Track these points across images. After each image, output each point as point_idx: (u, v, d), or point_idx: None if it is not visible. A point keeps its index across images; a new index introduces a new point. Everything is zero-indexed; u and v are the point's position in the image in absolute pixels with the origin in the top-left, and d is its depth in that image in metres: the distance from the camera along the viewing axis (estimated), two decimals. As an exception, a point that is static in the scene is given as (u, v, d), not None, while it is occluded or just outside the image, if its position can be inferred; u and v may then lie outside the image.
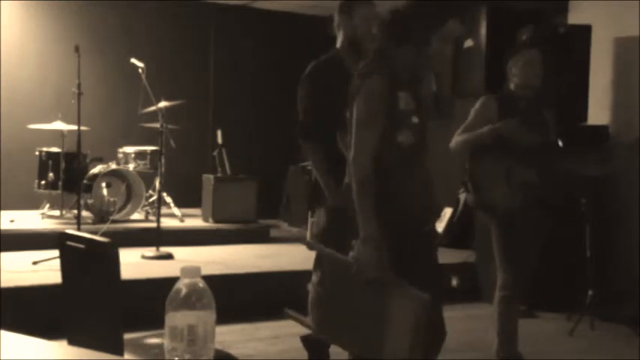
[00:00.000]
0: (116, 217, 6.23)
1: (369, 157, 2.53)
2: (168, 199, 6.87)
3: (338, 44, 3.55)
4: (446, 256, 4.86)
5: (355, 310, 2.56)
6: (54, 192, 6.40)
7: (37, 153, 6.49)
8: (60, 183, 6.31)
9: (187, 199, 7.26)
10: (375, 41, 2.87)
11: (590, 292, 4.88)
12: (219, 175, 7.00)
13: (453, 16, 2.62)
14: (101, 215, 6.20)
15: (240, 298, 4.85)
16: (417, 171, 2.66)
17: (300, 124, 3.51)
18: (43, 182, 6.41)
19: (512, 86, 3.84)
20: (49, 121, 6.41)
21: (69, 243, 2.17)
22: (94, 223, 6.09)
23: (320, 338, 3.60)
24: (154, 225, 5.81)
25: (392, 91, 2.55)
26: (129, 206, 6.58)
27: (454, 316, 3.33)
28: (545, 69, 3.87)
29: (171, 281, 1.19)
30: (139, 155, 6.74)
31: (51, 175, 6.35)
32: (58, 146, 6.42)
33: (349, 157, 2.60)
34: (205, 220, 6.90)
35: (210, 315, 1.18)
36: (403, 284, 2.46)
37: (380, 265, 2.47)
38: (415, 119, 2.60)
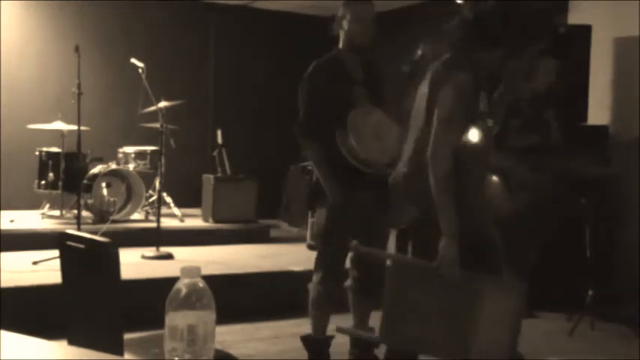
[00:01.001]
0: (116, 217, 6.23)
1: (451, 152, 2.51)
2: (169, 199, 6.87)
3: (339, 44, 3.55)
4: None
5: (438, 311, 2.51)
6: (54, 192, 6.40)
7: (37, 153, 6.49)
8: (60, 183, 6.31)
9: (187, 199, 7.27)
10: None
11: (590, 292, 4.88)
12: (219, 175, 6.99)
13: (543, 34, 2.59)
14: (101, 215, 6.20)
15: (240, 298, 4.84)
16: (483, 172, 2.66)
17: (300, 124, 3.51)
18: (43, 182, 6.41)
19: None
20: (49, 121, 6.41)
21: (69, 243, 2.17)
22: (94, 223, 6.09)
23: (320, 338, 3.60)
24: (154, 225, 5.80)
25: (476, 89, 2.54)
26: (129, 206, 6.57)
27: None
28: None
29: (171, 281, 1.19)
30: (139, 155, 6.74)
31: (51, 175, 6.35)
32: (58, 146, 6.42)
33: (428, 151, 2.54)
34: (205, 220, 6.90)
35: (210, 315, 1.18)
36: (492, 277, 2.44)
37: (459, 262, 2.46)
38: (490, 122, 2.59)
